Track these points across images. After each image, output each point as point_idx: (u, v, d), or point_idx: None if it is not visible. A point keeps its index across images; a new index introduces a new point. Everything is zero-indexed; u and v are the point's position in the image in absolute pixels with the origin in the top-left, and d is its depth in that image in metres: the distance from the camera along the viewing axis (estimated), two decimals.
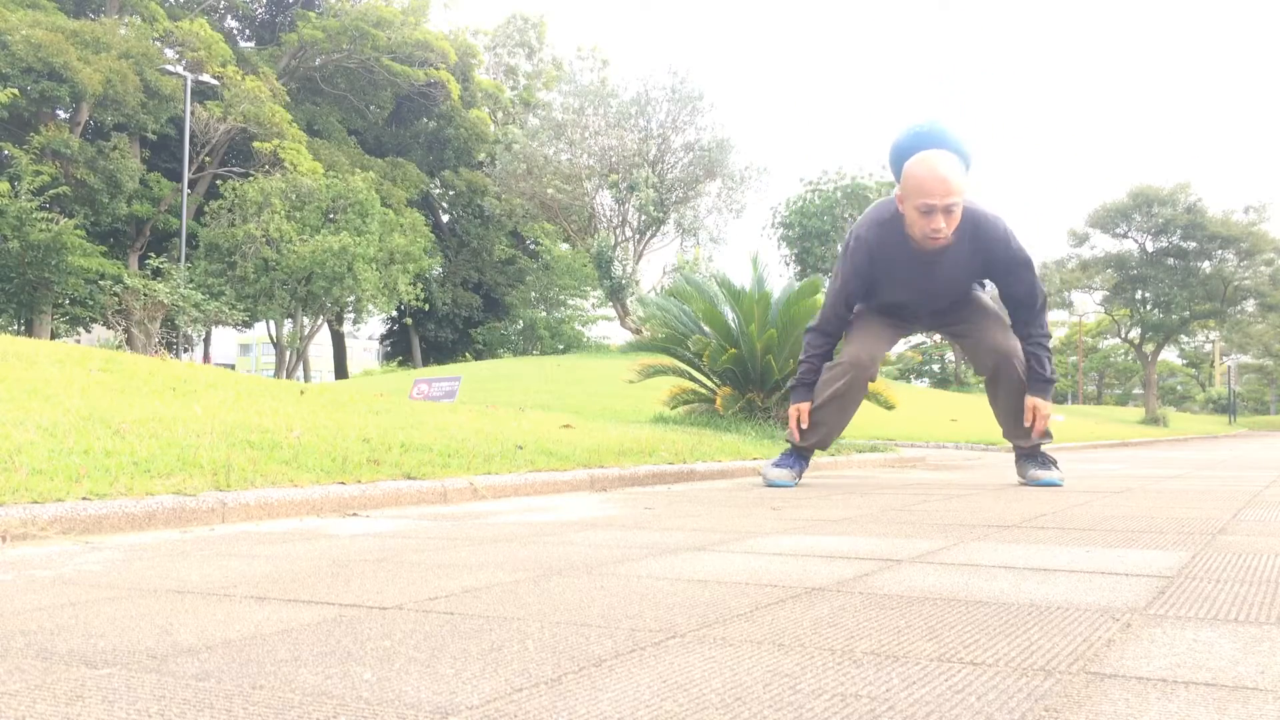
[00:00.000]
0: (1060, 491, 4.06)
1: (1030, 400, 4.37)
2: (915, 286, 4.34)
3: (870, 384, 4.66)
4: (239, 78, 28.22)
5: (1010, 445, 4.64)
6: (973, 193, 4.25)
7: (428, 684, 1.09)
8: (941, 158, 4.02)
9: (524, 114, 37.10)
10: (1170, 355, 57.99)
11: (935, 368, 56.07)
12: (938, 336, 32.44)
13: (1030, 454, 4.52)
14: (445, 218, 41.81)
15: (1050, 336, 4.48)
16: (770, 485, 4.35)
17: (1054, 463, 4.52)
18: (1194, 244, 35.69)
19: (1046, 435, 4.49)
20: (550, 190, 29.11)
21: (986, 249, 4.19)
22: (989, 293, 4.63)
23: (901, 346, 53.95)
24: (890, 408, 7.54)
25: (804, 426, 4.49)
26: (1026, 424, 4.38)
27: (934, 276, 4.27)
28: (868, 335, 4.52)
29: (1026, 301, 4.33)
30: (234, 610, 1.50)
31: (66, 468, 2.62)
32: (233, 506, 2.67)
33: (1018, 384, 4.42)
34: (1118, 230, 37.33)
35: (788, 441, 4.68)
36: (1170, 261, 36.30)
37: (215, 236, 24.53)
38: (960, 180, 4.01)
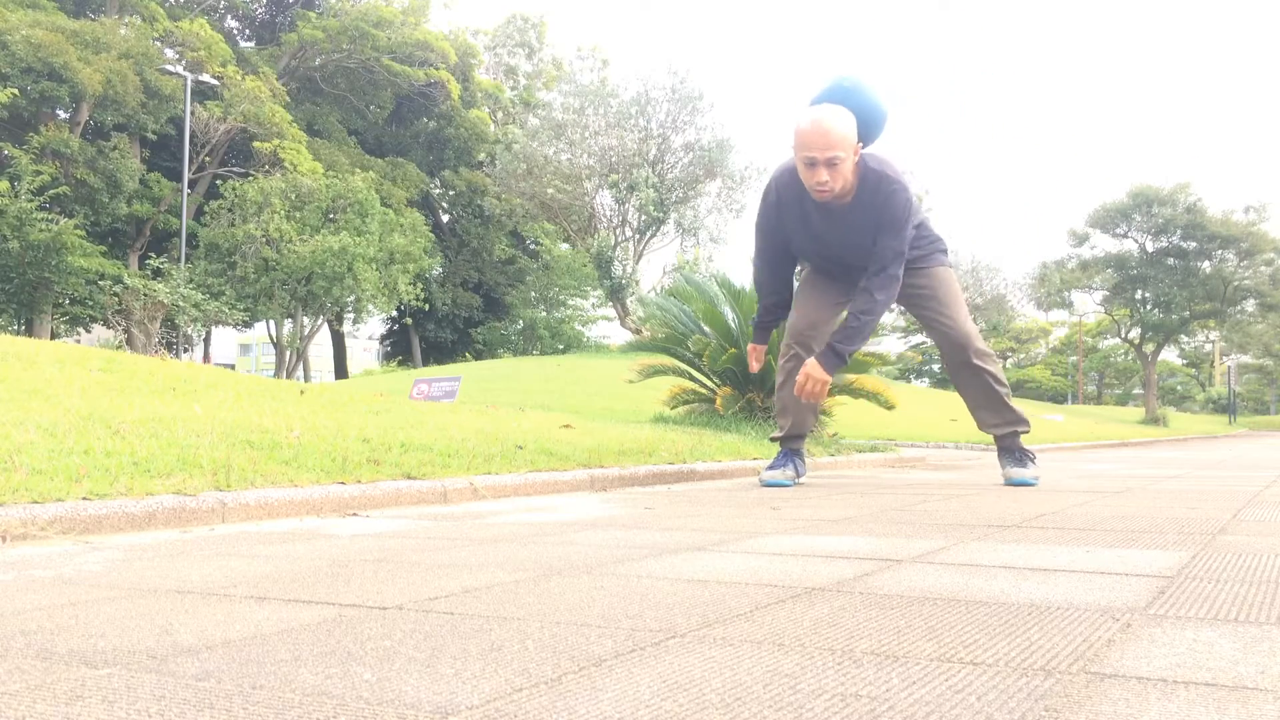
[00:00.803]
0: (1060, 491, 4.06)
1: (807, 364, 4.17)
2: (818, 239, 4.30)
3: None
4: (239, 78, 28.23)
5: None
6: (886, 152, 4.21)
7: (428, 684, 1.09)
8: (829, 112, 3.98)
9: (524, 114, 37.08)
10: (1170, 355, 57.97)
11: (935, 368, 56.04)
12: None
13: (1007, 447, 4.54)
14: (445, 218, 41.81)
15: (877, 312, 4.17)
16: (768, 486, 4.35)
17: (1032, 458, 4.54)
18: (1194, 244, 35.68)
19: (1023, 423, 4.51)
20: (550, 190, 29.10)
21: (879, 206, 4.10)
22: (950, 268, 4.60)
23: (901, 346, 53.94)
24: (890, 408, 7.53)
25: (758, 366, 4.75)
26: (795, 386, 4.23)
27: (835, 229, 4.22)
28: (807, 302, 4.55)
29: (877, 263, 4.15)
30: (234, 610, 1.50)
31: (66, 468, 2.62)
32: (233, 506, 2.67)
33: (968, 371, 4.44)
34: (1118, 230, 37.32)
35: (772, 440, 4.74)
36: (1170, 261, 36.29)
37: (215, 236, 24.53)
38: (845, 134, 3.94)
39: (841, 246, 4.28)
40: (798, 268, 4.78)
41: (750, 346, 4.76)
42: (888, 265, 4.13)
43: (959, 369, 4.52)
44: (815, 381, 4.14)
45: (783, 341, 4.58)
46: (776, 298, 4.61)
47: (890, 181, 4.09)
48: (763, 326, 4.69)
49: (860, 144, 4.04)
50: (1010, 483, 4.45)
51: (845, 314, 4.35)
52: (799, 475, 4.53)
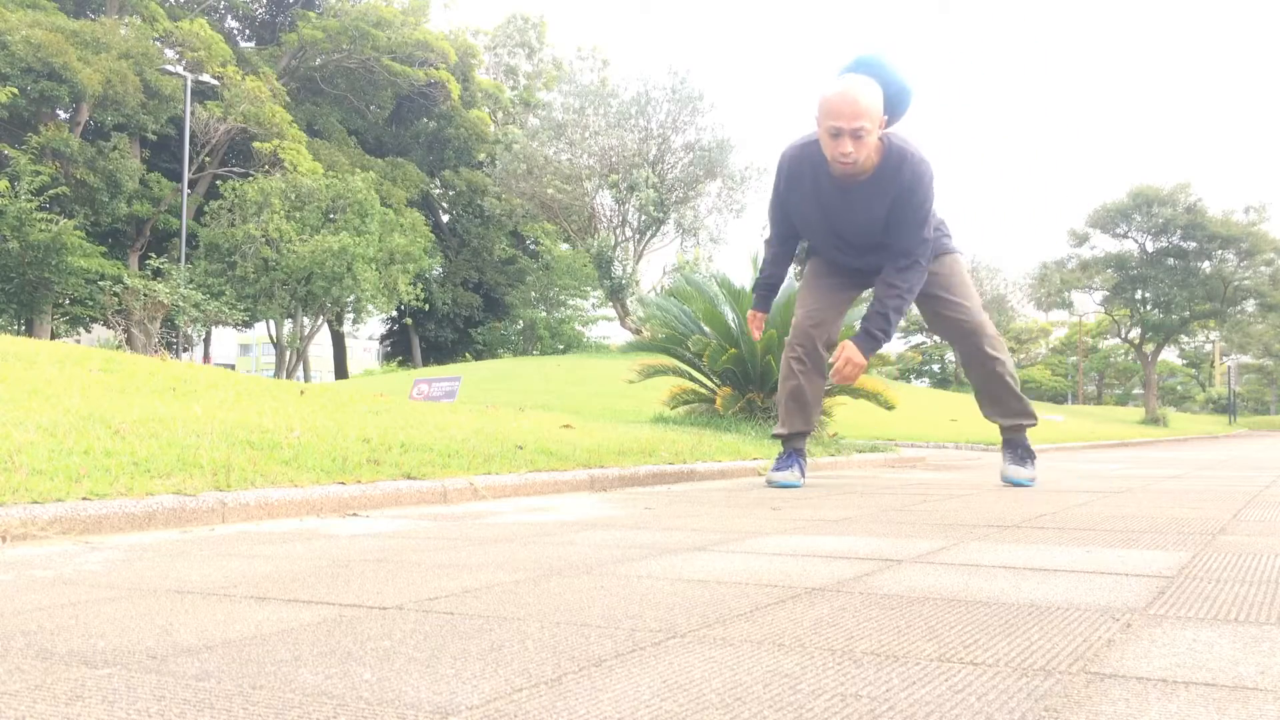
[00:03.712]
0: (1060, 491, 4.06)
1: (844, 347, 4.16)
2: (828, 216, 4.20)
3: (828, 348, 4.52)
4: (239, 78, 28.23)
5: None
6: (907, 133, 4.14)
7: (428, 684, 1.09)
8: (858, 82, 3.91)
9: (524, 114, 37.12)
10: (1170, 355, 57.98)
11: (935, 368, 56.06)
12: (937, 337, 32.40)
13: (1010, 443, 4.51)
14: (445, 218, 41.82)
15: (906, 300, 4.15)
16: (776, 487, 4.30)
17: (1032, 458, 4.51)
18: (1194, 244, 35.66)
19: (1030, 416, 4.47)
20: (550, 190, 29.11)
21: (903, 185, 4.03)
22: (958, 255, 4.51)
23: (901, 346, 53.92)
24: (890, 408, 7.53)
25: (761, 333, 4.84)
26: (832, 369, 4.24)
27: (847, 206, 4.13)
28: (811, 299, 4.48)
29: (900, 254, 4.12)
30: (234, 610, 1.50)
31: (66, 468, 2.62)
32: (233, 507, 2.67)
33: (978, 361, 4.40)
34: (1118, 230, 37.30)
35: (775, 437, 4.68)
36: (1170, 261, 36.28)
37: (215, 236, 24.53)
38: (872, 106, 3.86)
39: (851, 225, 4.18)
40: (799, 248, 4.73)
41: (750, 313, 4.76)
42: (917, 256, 4.09)
43: (971, 358, 4.45)
44: (853, 365, 4.13)
45: (787, 339, 4.54)
46: (773, 270, 4.64)
47: (917, 161, 4.01)
48: (760, 295, 4.73)
49: (885, 119, 3.96)
50: (1007, 480, 4.44)
51: (864, 305, 4.35)
52: (803, 475, 4.51)
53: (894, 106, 4.07)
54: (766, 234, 4.61)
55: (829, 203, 4.16)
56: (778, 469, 4.44)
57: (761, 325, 4.76)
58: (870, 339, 4.14)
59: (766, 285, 4.71)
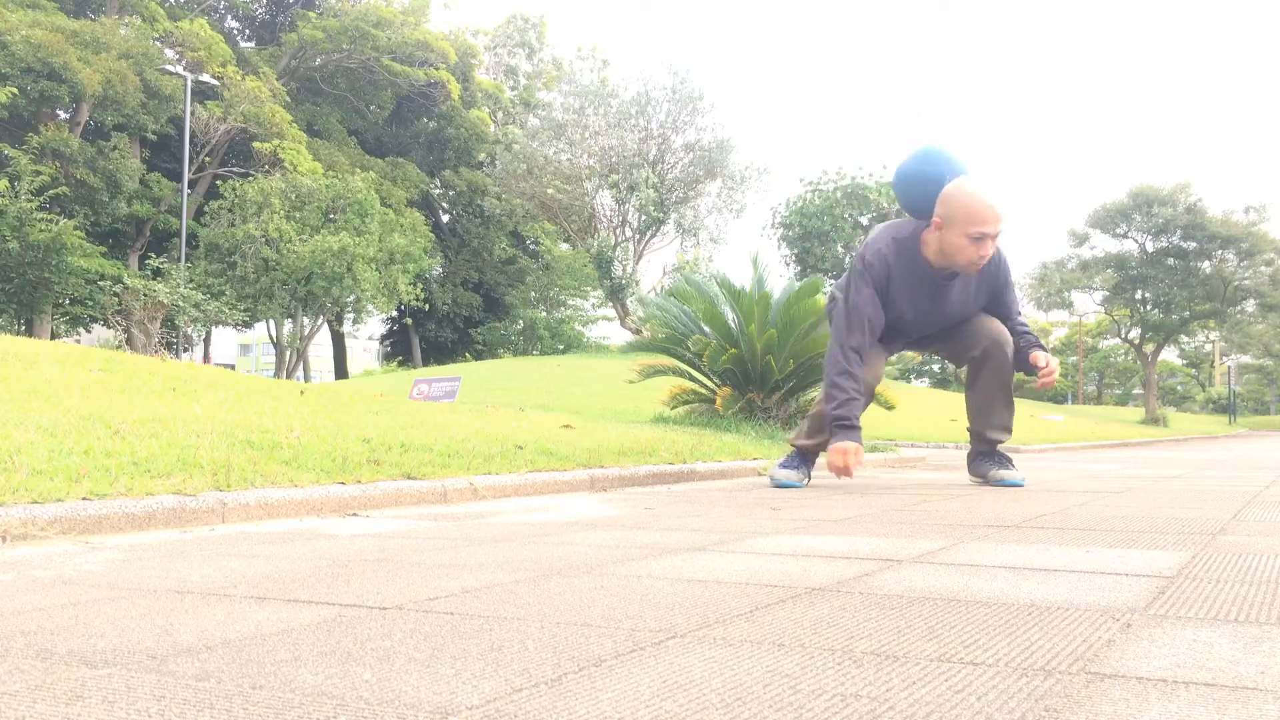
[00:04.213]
0: (1060, 491, 4.06)
1: (1036, 353, 4.38)
2: (924, 308, 4.32)
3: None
4: (239, 78, 28.23)
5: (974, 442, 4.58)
6: None
7: (428, 684, 1.09)
8: (989, 186, 4.06)
9: (524, 114, 37.11)
10: (1170, 355, 57.97)
11: (935, 368, 56.04)
12: None
13: (988, 453, 4.53)
14: (445, 218, 41.81)
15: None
16: (779, 486, 4.32)
17: (1011, 462, 4.55)
18: (1194, 244, 35.68)
19: (1008, 432, 4.51)
20: (550, 190, 29.12)
21: (993, 274, 4.33)
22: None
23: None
24: (890, 408, 7.53)
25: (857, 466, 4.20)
26: (1038, 369, 4.30)
27: (945, 299, 4.30)
28: (873, 356, 4.44)
29: (1006, 313, 4.50)
30: (234, 610, 1.50)
31: (66, 468, 2.62)
32: (233, 507, 2.67)
33: (1003, 368, 4.42)
34: (1118, 230, 37.31)
35: (792, 444, 4.64)
36: (1170, 261, 36.29)
37: (215, 236, 24.53)
38: (1004, 203, 4.08)
39: (944, 314, 4.37)
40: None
41: (845, 447, 4.11)
42: (1015, 308, 4.52)
43: (1003, 367, 4.45)
44: (1055, 367, 4.35)
45: (838, 379, 4.30)
46: (860, 377, 4.22)
47: (999, 250, 4.31)
48: (847, 426, 4.17)
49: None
50: (999, 484, 4.41)
51: (1010, 338, 4.46)
52: (808, 479, 4.50)
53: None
54: (843, 364, 4.15)
55: (926, 293, 4.28)
56: (784, 466, 4.44)
57: (857, 459, 4.14)
58: (1045, 350, 4.44)
59: (854, 410, 4.17)
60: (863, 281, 4.22)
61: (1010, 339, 4.44)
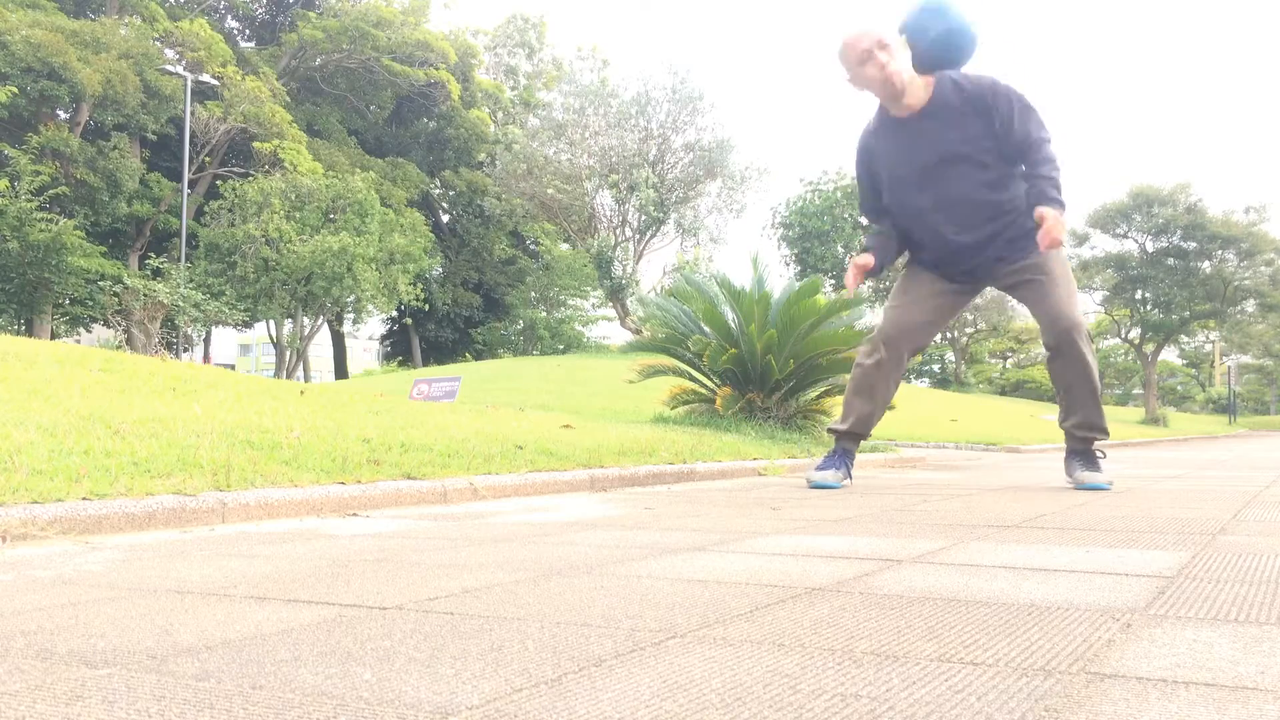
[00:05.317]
0: (1060, 491, 4.06)
1: (1041, 208, 3.95)
2: (918, 158, 4.14)
3: (913, 355, 4.47)
4: (239, 78, 28.22)
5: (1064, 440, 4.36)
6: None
7: (428, 684, 1.09)
8: (865, 23, 4.12)
9: (524, 114, 37.11)
10: (1170, 355, 57.94)
11: (935, 368, 56.06)
12: (938, 337, 32.35)
13: (1079, 451, 4.29)
14: (445, 218, 41.81)
15: (1059, 170, 4.07)
16: (815, 487, 4.21)
17: (1097, 462, 4.26)
18: (1194, 244, 35.65)
19: (1102, 432, 4.24)
20: (550, 190, 29.11)
21: (975, 98, 4.02)
22: (1059, 254, 4.24)
23: None
24: (890, 408, 7.52)
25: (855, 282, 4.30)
26: (1039, 229, 3.94)
27: (928, 144, 4.10)
28: (900, 307, 4.37)
29: (1025, 144, 4.07)
30: (234, 610, 1.50)
31: (66, 468, 2.62)
32: (233, 506, 2.67)
33: (1077, 362, 4.15)
34: (1118, 230, 37.29)
35: (830, 432, 4.55)
36: (1170, 261, 36.27)
37: (215, 236, 24.52)
38: (874, 25, 4.04)
39: (938, 166, 4.10)
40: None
41: (855, 264, 4.30)
42: (1033, 138, 4.04)
43: (1053, 358, 4.24)
44: (1061, 225, 3.92)
45: (868, 339, 4.46)
46: (881, 226, 4.41)
47: (979, 77, 4.06)
48: (875, 244, 4.37)
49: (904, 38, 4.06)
50: (1081, 487, 4.18)
51: (1084, 326, 4.17)
52: (849, 478, 4.40)
53: (957, 50, 4.07)
54: (862, 216, 4.54)
55: (908, 144, 4.15)
56: (822, 467, 4.33)
57: (860, 276, 4.25)
58: (1056, 202, 3.97)
59: (879, 234, 4.38)
60: (857, 169, 4.44)
61: (1082, 324, 4.16)
